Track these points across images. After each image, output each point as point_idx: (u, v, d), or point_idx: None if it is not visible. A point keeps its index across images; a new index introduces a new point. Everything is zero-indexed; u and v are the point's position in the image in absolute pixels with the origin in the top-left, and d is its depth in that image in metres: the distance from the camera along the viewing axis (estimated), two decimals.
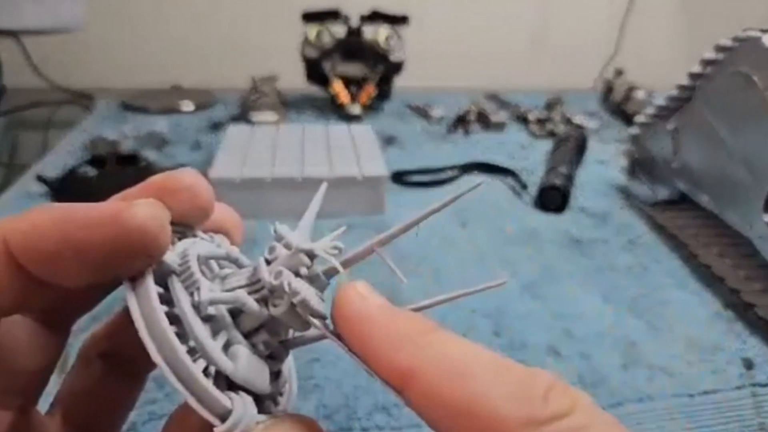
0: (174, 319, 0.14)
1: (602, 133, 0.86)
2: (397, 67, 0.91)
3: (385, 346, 0.14)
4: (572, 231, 0.57)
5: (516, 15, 1.16)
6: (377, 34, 0.89)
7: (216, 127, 0.82)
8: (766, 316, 0.42)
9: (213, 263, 0.17)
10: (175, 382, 0.13)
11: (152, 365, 0.14)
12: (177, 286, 0.15)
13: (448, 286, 0.46)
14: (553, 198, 0.61)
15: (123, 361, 0.19)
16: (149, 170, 0.61)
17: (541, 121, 0.87)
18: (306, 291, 0.15)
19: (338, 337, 0.15)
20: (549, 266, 0.51)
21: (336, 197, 0.56)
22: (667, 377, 0.38)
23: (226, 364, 0.14)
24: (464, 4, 1.14)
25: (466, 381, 0.13)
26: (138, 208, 0.14)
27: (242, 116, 0.84)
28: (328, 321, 0.15)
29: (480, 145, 0.80)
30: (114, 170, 0.60)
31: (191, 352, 0.14)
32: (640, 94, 0.91)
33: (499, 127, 0.86)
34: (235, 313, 0.15)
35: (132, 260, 0.14)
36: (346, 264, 0.16)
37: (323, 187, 0.19)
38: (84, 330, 0.19)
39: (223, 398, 0.14)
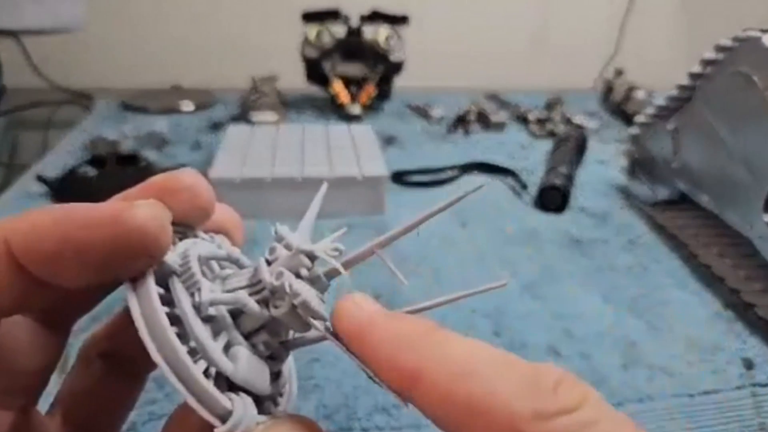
0: (175, 319, 0.14)
1: (602, 133, 0.86)
2: (397, 67, 0.91)
3: (388, 349, 0.14)
4: (572, 231, 0.57)
5: (516, 15, 1.16)
6: (377, 34, 0.89)
7: (216, 127, 0.82)
8: (766, 316, 0.42)
9: (214, 264, 0.17)
10: (175, 382, 0.13)
11: (152, 365, 0.14)
12: (178, 287, 0.15)
13: (449, 286, 0.46)
14: (553, 198, 0.61)
15: (123, 362, 0.19)
16: (149, 170, 0.61)
17: (541, 121, 0.87)
18: (307, 292, 0.15)
19: (338, 338, 0.15)
20: (549, 266, 0.51)
21: (336, 197, 0.56)
22: (667, 377, 0.38)
23: (226, 365, 0.14)
24: (464, 4, 1.14)
25: (473, 378, 0.13)
26: (139, 208, 0.14)
27: (242, 116, 0.84)
28: (329, 322, 0.15)
29: (480, 145, 0.80)
30: (114, 170, 0.60)
31: (192, 352, 0.14)
32: (640, 94, 0.91)
33: (499, 127, 0.86)
34: (236, 313, 0.15)
35: (132, 261, 0.14)
36: (346, 265, 0.16)
37: (323, 187, 0.19)
38: (84, 330, 0.19)
39: (224, 399, 0.14)
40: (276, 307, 0.15)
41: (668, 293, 0.47)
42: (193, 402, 0.13)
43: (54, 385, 0.18)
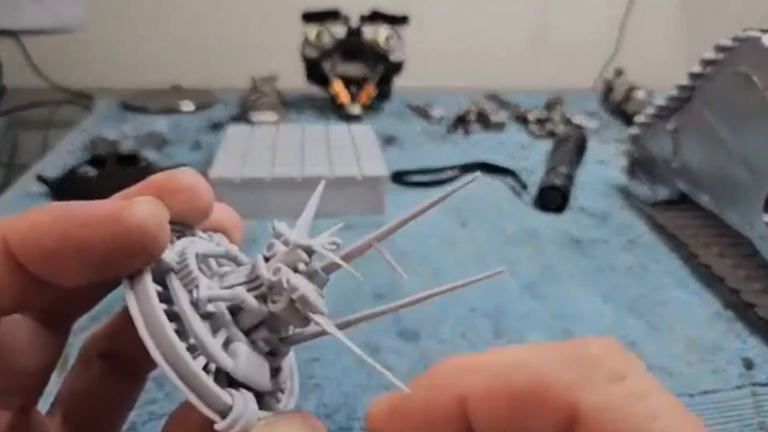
0: (173, 317, 0.14)
1: (602, 133, 0.86)
2: (397, 67, 0.91)
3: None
4: (572, 231, 0.57)
5: (516, 15, 1.16)
6: (377, 34, 0.89)
7: (216, 127, 0.82)
8: (766, 316, 0.42)
9: (212, 261, 0.17)
10: (175, 379, 0.13)
11: (152, 365, 0.14)
12: (176, 284, 0.15)
13: None
14: (553, 198, 0.61)
15: (123, 361, 0.19)
16: (149, 170, 0.61)
17: (541, 121, 0.87)
18: (305, 287, 0.15)
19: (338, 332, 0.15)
20: (549, 266, 0.51)
21: (336, 197, 0.56)
22: (667, 377, 0.38)
23: (226, 361, 0.14)
24: (464, 4, 1.14)
25: (516, 370, 0.13)
26: (138, 206, 0.14)
27: (242, 116, 0.84)
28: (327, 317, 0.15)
29: (480, 145, 0.80)
30: (114, 170, 0.61)
31: (191, 349, 0.14)
32: (640, 94, 0.91)
33: (499, 127, 0.86)
34: (235, 310, 0.15)
35: (131, 258, 0.14)
36: (344, 259, 0.16)
37: (321, 185, 0.19)
38: (84, 329, 0.19)
39: (224, 395, 0.14)
40: (274, 302, 0.15)
41: (668, 293, 0.47)
42: (193, 398, 0.13)
43: (54, 384, 0.18)
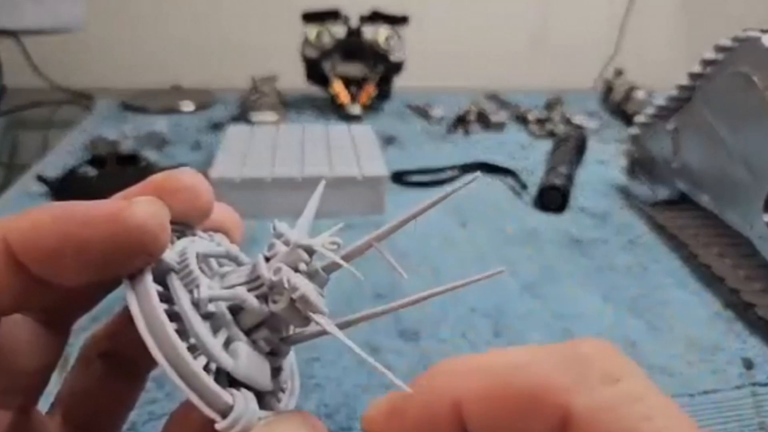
0: (174, 316, 0.14)
1: (602, 133, 0.86)
2: (397, 67, 0.91)
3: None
4: (572, 231, 0.57)
5: (516, 15, 1.16)
6: (377, 34, 0.89)
7: (216, 127, 0.82)
8: (766, 316, 0.42)
9: (212, 261, 0.17)
10: (175, 378, 0.13)
11: (153, 365, 0.14)
12: (176, 284, 0.15)
13: None
14: (553, 198, 0.61)
15: (123, 361, 0.19)
16: (149, 170, 0.61)
17: (540, 121, 0.87)
18: (305, 286, 0.15)
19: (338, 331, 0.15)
20: (549, 266, 0.51)
21: (336, 197, 0.56)
22: (667, 377, 0.38)
23: (226, 361, 0.14)
24: (464, 4, 1.14)
25: (510, 373, 0.13)
26: (138, 206, 0.14)
27: (242, 116, 0.84)
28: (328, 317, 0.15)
29: (480, 145, 0.80)
30: (114, 170, 0.61)
31: (191, 349, 0.14)
32: (640, 94, 0.91)
33: (499, 127, 0.86)
34: (235, 310, 0.15)
35: (132, 258, 0.14)
36: (344, 259, 0.16)
37: (321, 184, 0.19)
38: (84, 330, 0.19)
39: (224, 394, 0.14)
40: (275, 302, 0.15)
41: (668, 293, 0.47)
42: (193, 398, 0.13)
43: (54, 384, 0.18)
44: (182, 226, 0.17)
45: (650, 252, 0.53)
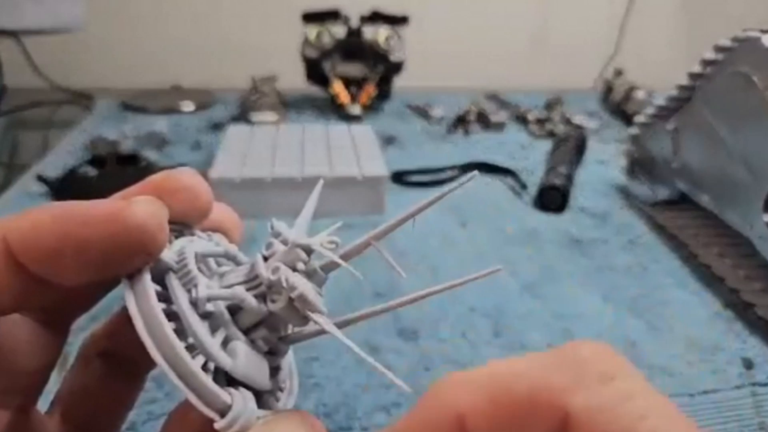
0: (172, 316, 0.14)
1: (602, 133, 0.86)
2: (397, 67, 0.91)
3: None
4: (572, 231, 0.57)
5: (516, 15, 1.17)
6: (377, 34, 0.89)
7: (216, 127, 0.82)
8: (766, 316, 0.42)
9: (211, 261, 0.17)
10: (174, 378, 0.13)
11: (152, 364, 0.14)
12: (174, 284, 0.15)
13: None
14: (553, 198, 0.61)
15: (122, 361, 0.19)
16: (149, 170, 0.61)
17: (540, 121, 0.87)
18: (303, 286, 0.15)
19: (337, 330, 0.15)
20: (549, 266, 0.51)
21: (336, 197, 0.56)
22: (667, 377, 0.38)
23: (225, 360, 0.14)
24: (464, 4, 1.14)
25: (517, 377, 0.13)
26: (137, 205, 0.14)
27: (242, 116, 0.84)
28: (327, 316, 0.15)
29: (480, 145, 0.80)
30: (114, 170, 0.61)
31: (190, 348, 0.14)
32: (640, 94, 0.91)
33: (499, 127, 0.86)
34: (234, 309, 0.15)
35: (131, 258, 0.14)
36: (343, 258, 0.16)
37: (319, 184, 0.19)
38: (83, 329, 0.19)
39: (223, 393, 0.14)
40: (273, 301, 0.15)
41: (668, 293, 0.47)
42: (191, 397, 0.13)
43: (54, 383, 0.18)
44: (180, 226, 0.17)
45: (650, 252, 0.53)
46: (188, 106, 0.90)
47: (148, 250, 0.14)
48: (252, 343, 0.15)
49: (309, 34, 0.89)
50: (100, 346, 0.19)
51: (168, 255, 0.15)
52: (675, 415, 0.12)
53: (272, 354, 0.16)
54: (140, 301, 0.14)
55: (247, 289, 0.15)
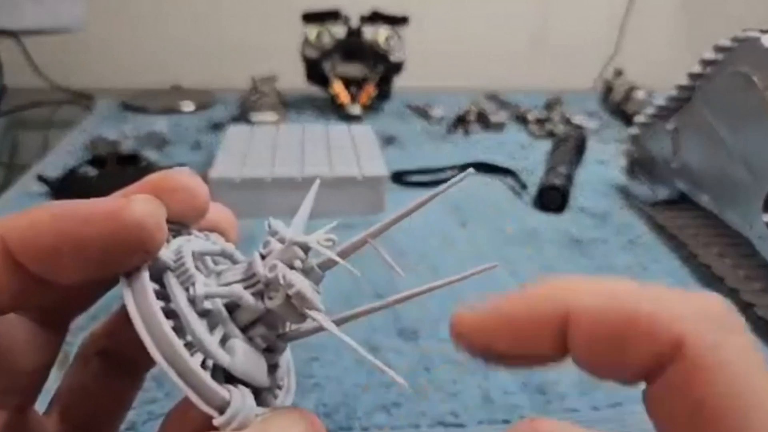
0: (171, 314, 0.14)
1: (602, 133, 0.86)
2: (397, 67, 0.91)
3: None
4: (572, 231, 0.57)
5: (516, 15, 1.17)
6: (377, 34, 0.89)
7: (216, 127, 0.82)
8: (766, 316, 0.42)
9: (208, 259, 0.17)
10: (172, 375, 0.13)
11: (150, 363, 0.14)
12: (172, 282, 0.15)
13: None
14: (552, 198, 0.61)
15: (121, 360, 0.19)
16: (149, 170, 0.61)
17: (540, 121, 0.87)
18: (301, 283, 0.15)
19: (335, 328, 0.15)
20: (549, 266, 0.51)
21: (336, 197, 0.56)
22: None
23: (223, 358, 0.14)
24: (464, 4, 1.14)
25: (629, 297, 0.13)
26: (136, 204, 0.14)
27: (242, 116, 0.84)
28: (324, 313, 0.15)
29: (480, 145, 0.80)
30: (114, 170, 0.61)
31: (188, 346, 0.14)
32: (640, 94, 0.91)
33: (499, 127, 0.86)
34: (232, 307, 0.15)
35: (129, 256, 0.14)
36: (340, 256, 0.16)
37: (316, 184, 0.19)
38: (82, 329, 0.19)
39: (221, 390, 0.14)
40: (271, 299, 0.15)
41: None
42: (190, 394, 0.14)
43: (53, 382, 0.18)
44: (178, 226, 0.17)
45: (650, 252, 0.53)
46: (188, 106, 0.90)
47: (146, 248, 0.14)
48: (250, 340, 0.15)
49: (309, 34, 0.89)
50: (99, 345, 0.19)
51: (166, 254, 0.15)
52: None
53: (270, 351, 0.16)
54: (138, 299, 0.14)
55: (245, 287, 0.15)
